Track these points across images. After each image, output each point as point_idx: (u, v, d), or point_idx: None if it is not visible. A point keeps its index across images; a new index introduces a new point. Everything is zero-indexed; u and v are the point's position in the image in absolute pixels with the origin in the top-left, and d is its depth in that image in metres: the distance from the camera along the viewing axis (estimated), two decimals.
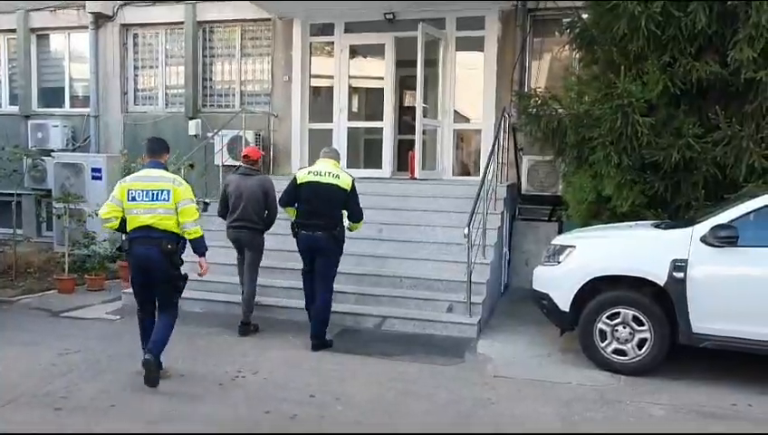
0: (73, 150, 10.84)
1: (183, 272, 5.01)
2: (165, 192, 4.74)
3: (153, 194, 4.74)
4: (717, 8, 6.00)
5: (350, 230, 6.02)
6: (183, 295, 5.31)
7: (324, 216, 5.72)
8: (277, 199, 6.24)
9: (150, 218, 4.72)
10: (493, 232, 7.28)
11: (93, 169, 9.91)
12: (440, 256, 7.11)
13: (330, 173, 5.80)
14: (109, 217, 4.83)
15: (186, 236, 4.86)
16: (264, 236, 6.46)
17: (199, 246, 4.98)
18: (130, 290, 7.10)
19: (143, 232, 4.74)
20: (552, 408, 4.52)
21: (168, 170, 5.00)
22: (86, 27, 10.67)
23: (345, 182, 5.80)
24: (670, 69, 6.29)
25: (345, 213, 5.95)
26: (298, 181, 5.85)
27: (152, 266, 4.77)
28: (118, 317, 6.77)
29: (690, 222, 5.24)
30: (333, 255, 5.85)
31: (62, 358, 5.42)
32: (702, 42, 6.20)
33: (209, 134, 9.55)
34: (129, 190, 4.77)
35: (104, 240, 9.04)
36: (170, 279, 4.88)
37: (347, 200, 5.82)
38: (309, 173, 5.85)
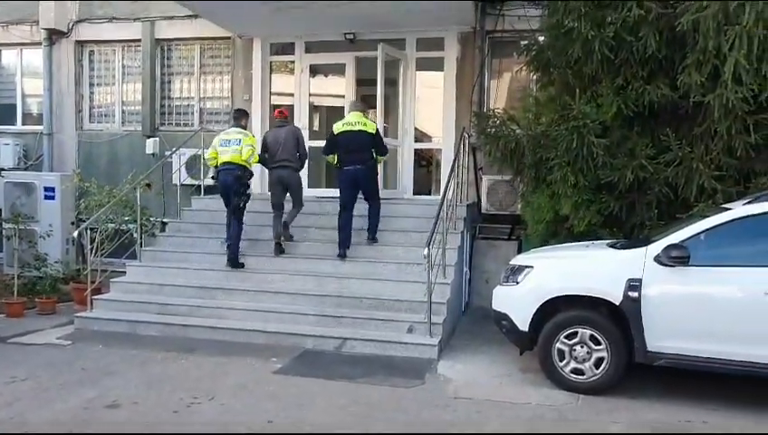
0: (25, 169, 10.55)
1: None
2: (237, 140, 7.43)
3: (232, 141, 7.46)
4: (667, 34, 6.16)
5: (378, 163, 7.68)
6: (138, 319, 6.77)
7: (360, 154, 7.26)
8: (306, 147, 8.03)
9: (230, 157, 7.35)
10: (453, 251, 7.30)
11: (46, 189, 9.67)
12: (401, 275, 7.10)
13: (358, 122, 7.37)
14: (210, 157, 7.66)
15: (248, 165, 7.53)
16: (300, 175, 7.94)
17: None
18: (83, 313, 7.02)
19: (225, 165, 7.37)
20: (513, 429, 4.52)
21: (245, 128, 7.80)
22: (39, 43, 10.44)
23: (372, 127, 7.43)
24: (623, 92, 6.44)
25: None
26: (335, 132, 7.41)
27: (228, 184, 7.39)
28: (69, 343, 6.54)
29: (644, 241, 5.34)
30: (373, 181, 7.55)
31: (7, 387, 5.20)
32: (653, 66, 6.38)
33: (167, 153, 9.39)
34: (221, 141, 7.51)
35: (56, 261, 8.80)
36: (238, 193, 7.41)
37: (374, 141, 7.40)
38: (343, 124, 7.41)
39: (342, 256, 7.37)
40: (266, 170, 8.15)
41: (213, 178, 7.85)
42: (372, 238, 7.60)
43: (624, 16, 6.13)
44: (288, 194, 7.83)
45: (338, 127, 7.45)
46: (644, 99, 6.33)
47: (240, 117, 7.92)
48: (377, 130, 7.54)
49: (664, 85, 6.26)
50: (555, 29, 6.78)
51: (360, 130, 7.33)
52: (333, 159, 7.49)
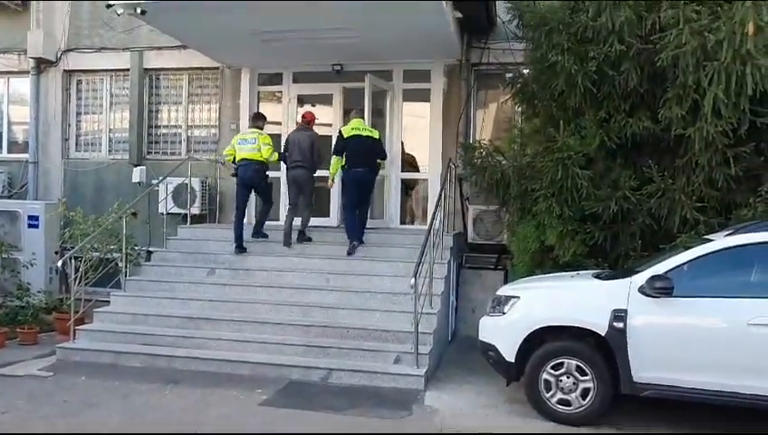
0: (9, 197, 10.46)
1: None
2: (254, 139, 8.17)
3: (248, 140, 8.22)
4: (648, 69, 6.31)
5: (379, 166, 8.29)
6: (122, 350, 6.74)
7: (367, 158, 7.91)
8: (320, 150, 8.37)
9: (247, 153, 8.13)
10: (440, 281, 7.32)
11: (30, 217, 9.58)
12: (388, 305, 7.09)
13: (365, 128, 8.06)
14: (228, 154, 8.39)
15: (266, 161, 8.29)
16: (314, 178, 8.37)
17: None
18: (65, 344, 6.93)
19: (243, 161, 8.13)
20: None
21: (262, 129, 8.46)
22: (27, 72, 10.46)
23: (376, 134, 8.17)
24: (606, 124, 6.57)
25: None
26: (345, 135, 7.95)
27: (247, 177, 8.17)
28: (51, 374, 6.43)
29: (629, 272, 5.40)
30: (373, 185, 8.22)
31: None
32: (635, 99, 6.52)
33: (154, 181, 9.38)
34: (238, 139, 8.28)
35: (39, 291, 8.70)
36: (258, 185, 8.33)
37: (378, 147, 8.14)
38: (352, 129, 7.97)
39: (351, 252, 7.92)
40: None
41: (233, 174, 8.51)
42: (360, 240, 8.03)
43: (606, 51, 6.26)
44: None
45: (347, 131, 7.98)
46: (626, 131, 6.45)
47: (257, 119, 8.60)
48: (379, 135, 8.25)
49: (646, 118, 6.39)
50: (539, 63, 6.90)
51: (367, 136, 7.99)
52: (338, 163, 8.03)
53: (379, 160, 8.25)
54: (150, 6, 7.38)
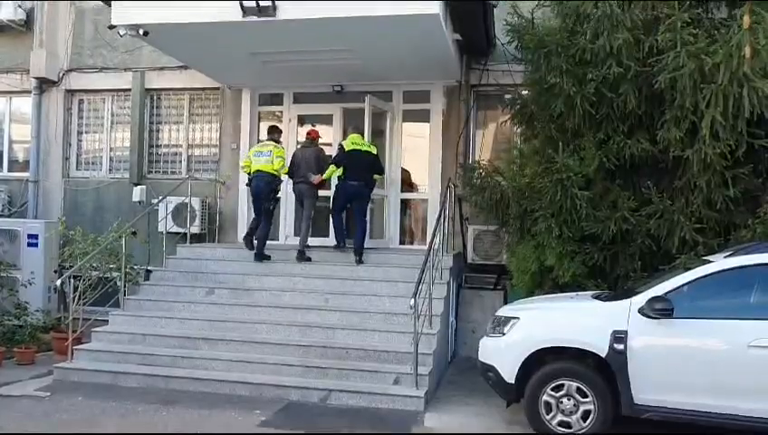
0: (9, 216, 10.46)
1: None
2: (269, 152, 8.35)
3: (264, 153, 8.40)
4: (646, 91, 6.36)
5: (375, 181, 8.46)
6: (120, 370, 6.73)
7: (364, 173, 8.17)
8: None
9: (261, 165, 8.31)
10: (439, 301, 7.30)
11: (29, 236, 9.57)
12: (387, 326, 7.07)
13: (363, 144, 8.31)
14: (244, 165, 8.68)
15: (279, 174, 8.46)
16: (318, 193, 8.72)
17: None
18: (63, 364, 6.89)
19: (257, 172, 8.30)
20: None
21: (279, 143, 8.66)
22: (29, 92, 10.51)
23: (374, 150, 8.42)
24: (605, 145, 6.61)
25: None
26: (346, 148, 8.19)
27: (260, 188, 8.32)
28: (48, 394, 6.38)
29: (629, 293, 5.39)
30: (367, 198, 8.39)
31: None
32: (633, 121, 6.56)
33: (154, 201, 9.39)
34: (255, 152, 8.52)
35: (37, 310, 8.67)
36: (267, 197, 8.36)
37: (375, 162, 8.38)
38: (352, 143, 8.21)
39: (344, 245, 8.40)
40: None
41: (247, 184, 8.83)
42: (360, 260, 8.08)
43: (604, 74, 6.32)
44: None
45: (348, 145, 8.25)
46: (625, 152, 6.48)
47: (273, 132, 8.79)
48: (376, 152, 8.50)
49: (644, 140, 6.43)
50: (538, 84, 6.97)
51: (366, 151, 8.25)
52: (335, 172, 8.37)
53: (376, 176, 8.46)
54: (153, 28, 7.46)
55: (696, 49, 5.78)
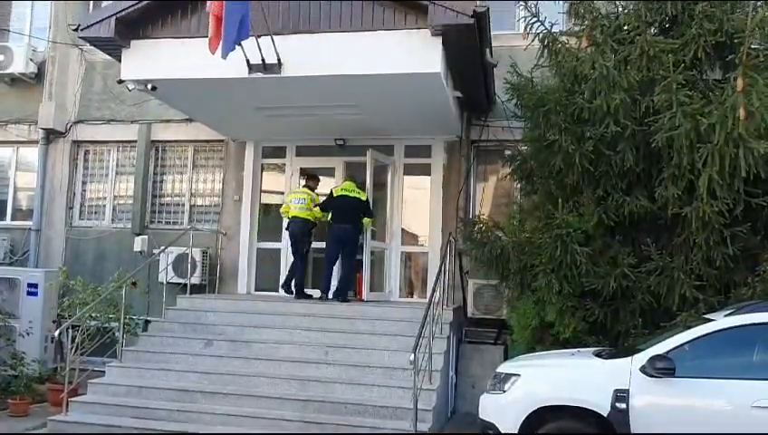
0: (10, 264, 10.47)
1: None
2: (303, 199, 8.82)
3: (299, 200, 8.85)
4: (643, 149, 6.48)
5: (365, 225, 8.65)
6: (115, 423, 6.62)
7: (350, 216, 8.41)
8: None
9: (296, 211, 8.80)
10: (439, 356, 7.24)
11: (29, 285, 9.53)
12: (387, 380, 6.99)
13: (353, 190, 8.56)
14: (284, 211, 9.08)
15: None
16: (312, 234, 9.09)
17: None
18: (57, 417, 6.81)
19: (294, 218, 8.81)
20: None
21: (313, 190, 9.08)
22: (36, 142, 10.68)
23: (363, 196, 8.60)
24: (604, 202, 6.69)
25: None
26: (334, 195, 8.62)
27: (296, 233, 8.82)
28: None
29: (630, 351, 5.36)
30: (355, 242, 8.57)
31: None
32: (631, 178, 6.66)
33: (156, 251, 9.41)
34: (292, 198, 8.95)
35: (33, 360, 8.59)
36: (302, 240, 8.82)
37: (364, 207, 8.56)
38: (341, 189, 8.60)
39: (325, 297, 8.52)
40: None
41: (286, 228, 9.23)
42: (344, 299, 8.44)
43: (602, 132, 6.45)
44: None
45: (337, 191, 8.65)
46: (624, 209, 6.56)
47: (310, 180, 9.29)
48: (367, 198, 8.68)
49: (642, 197, 6.51)
50: (537, 141, 7.10)
51: (354, 197, 8.51)
52: (327, 216, 8.71)
53: (365, 220, 8.65)
54: (160, 83, 7.65)
55: (692, 110, 5.92)
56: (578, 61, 6.70)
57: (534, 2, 7.22)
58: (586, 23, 6.92)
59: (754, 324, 4.96)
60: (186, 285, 9.29)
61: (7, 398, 7.79)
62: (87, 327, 7.76)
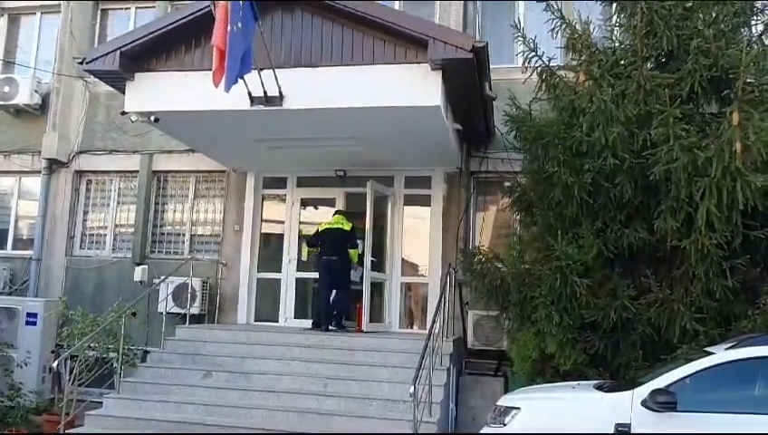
0: (10, 294, 10.45)
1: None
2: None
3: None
4: (641, 182, 6.53)
5: (353, 257, 8.85)
6: None
7: (335, 248, 8.65)
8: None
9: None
10: (439, 388, 7.19)
11: (28, 314, 9.51)
12: (386, 413, 6.92)
13: (338, 222, 8.84)
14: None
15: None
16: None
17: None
18: None
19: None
20: None
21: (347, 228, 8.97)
22: (39, 172, 10.74)
23: (348, 226, 8.84)
24: (603, 234, 6.72)
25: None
26: (320, 230, 8.91)
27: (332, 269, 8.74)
28: None
29: (631, 384, 5.34)
30: (343, 272, 8.79)
31: None
32: (630, 210, 6.70)
33: (156, 280, 9.41)
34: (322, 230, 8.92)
35: (30, 391, 8.53)
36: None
37: (348, 237, 8.79)
38: (327, 224, 8.89)
39: (325, 329, 8.54)
40: None
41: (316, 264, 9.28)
42: (338, 325, 8.71)
43: (600, 165, 6.50)
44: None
45: (322, 226, 8.95)
46: (623, 241, 6.59)
47: (338, 214, 9.26)
48: (352, 228, 8.88)
49: (641, 229, 6.54)
50: (536, 173, 7.15)
51: (338, 229, 8.78)
52: (312, 251, 9.16)
53: (351, 251, 8.83)
54: (163, 115, 7.75)
55: (689, 143, 5.98)
56: (576, 94, 6.79)
57: (532, 37, 7.34)
58: (583, 57, 7.02)
59: (756, 358, 4.94)
60: (185, 314, 9.27)
61: (4, 429, 7.72)
62: (85, 358, 7.73)
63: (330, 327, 8.61)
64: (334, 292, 8.81)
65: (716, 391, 5.00)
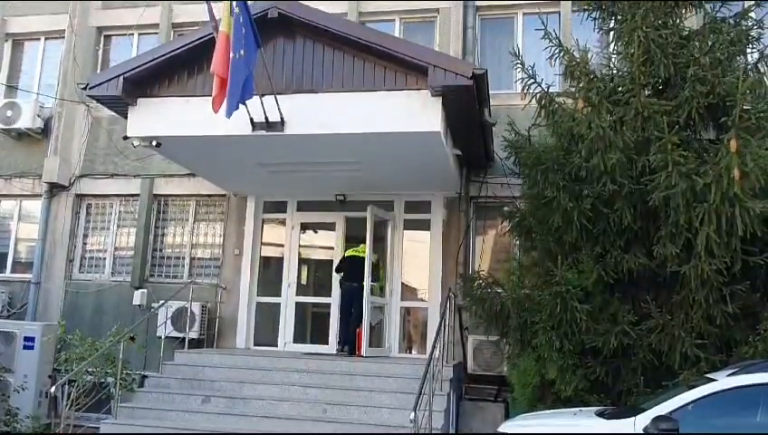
0: (8, 317, 10.40)
1: None
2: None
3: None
4: (641, 207, 6.56)
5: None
6: None
7: (358, 275, 8.94)
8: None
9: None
10: (439, 414, 7.13)
11: (26, 338, 9.43)
12: None
13: (361, 250, 9.10)
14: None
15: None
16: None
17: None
18: None
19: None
20: None
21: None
22: (39, 195, 10.77)
23: (363, 253, 9.06)
24: (602, 259, 6.72)
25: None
26: (346, 256, 9.38)
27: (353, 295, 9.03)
28: None
29: (633, 411, 5.30)
30: (363, 298, 8.87)
31: None
32: (629, 236, 6.71)
33: (155, 304, 9.38)
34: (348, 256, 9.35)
35: (27, 416, 8.45)
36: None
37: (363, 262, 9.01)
38: (352, 251, 9.31)
39: (341, 350, 9.12)
40: None
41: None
42: (341, 350, 9.11)
43: (599, 190, 6.54)
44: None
45: (348, 253, 9.37)
46: (623, 266, 6.59)
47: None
48: (378, 259, 9.30)
49: (641, 254, 6.55)
50: (536, 199, 7.17)
51: (361, 256, 9.05)
52: (338, 276, 9.47)
53: (372, 284, 9.01)
54: (165, 140, 7.80)
55: (687, 169, 6.02)
56: (574, 121, 6.84)
57: (531, 64, 7.42)
58: (582, 84, 7.09)
59: (758, 385, 4.92)
60: (184, 339, 9.23)
61: None
62: (83, 382, 7.67)
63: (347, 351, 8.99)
64: (352, 317, 9.04)
65: (719, 418, 4.96)
